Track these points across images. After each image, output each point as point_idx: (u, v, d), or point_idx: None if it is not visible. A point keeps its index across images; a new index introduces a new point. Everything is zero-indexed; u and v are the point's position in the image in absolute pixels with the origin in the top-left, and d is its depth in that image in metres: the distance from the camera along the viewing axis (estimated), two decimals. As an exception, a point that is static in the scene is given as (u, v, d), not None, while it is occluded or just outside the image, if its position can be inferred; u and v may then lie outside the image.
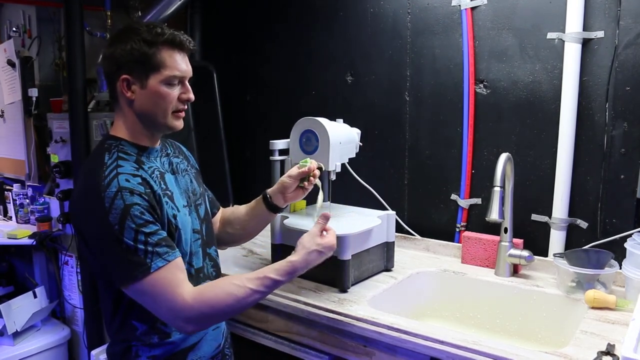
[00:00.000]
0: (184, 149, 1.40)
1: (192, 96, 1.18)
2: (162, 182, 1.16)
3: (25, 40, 2.60)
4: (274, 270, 1.14)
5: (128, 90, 1.13)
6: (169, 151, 1.29)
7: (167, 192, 1.16)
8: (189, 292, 1.07)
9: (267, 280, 1.13)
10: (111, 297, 1.15)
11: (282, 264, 1.16)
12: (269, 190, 1.41)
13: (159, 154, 1.23)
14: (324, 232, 1.23)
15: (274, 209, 1.40)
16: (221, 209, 1.49)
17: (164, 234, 1.09)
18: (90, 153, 2.14)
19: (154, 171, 1.16)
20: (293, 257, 1.17)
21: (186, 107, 1.19)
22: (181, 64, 1.15)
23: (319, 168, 1.39)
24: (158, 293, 1.05)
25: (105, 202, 1.03)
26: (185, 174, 1.28)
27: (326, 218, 1.24)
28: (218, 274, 1.32)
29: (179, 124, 1.19)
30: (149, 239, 1.05)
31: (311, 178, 1.37)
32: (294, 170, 1.38)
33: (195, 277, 1.22)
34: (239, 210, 1.46)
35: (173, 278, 1.06)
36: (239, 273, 1.64)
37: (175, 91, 1.15)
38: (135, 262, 1.04)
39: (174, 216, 1.15)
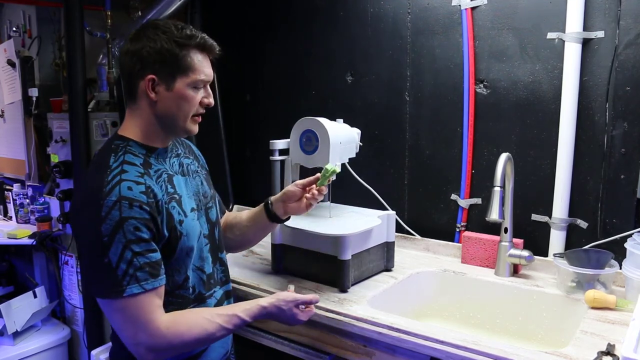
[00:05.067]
0: (194, 148, 1.36)
1: (212, 101, 1.16)
2: (169, 186, 1.12)
3: (26, 40, 2.61)
4: (243, 311, 1.15)
5: (152, 91, 1.09)
6: (180, 151, 1.26)
7: (175, 195, 1.13)
8: (163, 321, 1.04)
9: (236, 319, 1.13)
10: None
11: (252, 304, 1.17)
12: (272, 198, 1.37)
13: (169, 155, 1.20)
14: (303, 307, 1.23)
15: (274, 218, 1.36)
16: (226, 212, 1.46)
17: (154, 257, 1.05)
18: (90, 153, 2.16)
19: (162, 174, 1.13)
20: (264, 303, 1.18)
21: (204, 111, 1.17)
22: (207, 68, 1.13)
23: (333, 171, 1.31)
24: (127, 316, 1.02)
25: (102, 210, 1.00)
26: (196, 176, 1.25)
27: (314, 300, 1.24)
28: (227, 280, 1.30)
29: (195, 129, 1.17)
30: (134, 260, 1.01)
31: (322, 187, 1.29)
32: (302, 180, 1.33)
33: (207, 283, 1.21)
34: (241, 215, 1.43)
35: (145, 306, 1.03)
36: (239, 273, 1.65)
37: (199, 95, 1.13)
38: (112, 281, 1.00)
39: (180, 222, 1.12)
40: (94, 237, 1.01)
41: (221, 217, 1.40)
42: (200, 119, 1.17)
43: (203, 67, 1.12)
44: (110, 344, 1.24)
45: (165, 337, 1.04)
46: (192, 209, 1.18)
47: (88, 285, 1.08)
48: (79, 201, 1.10)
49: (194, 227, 1.16)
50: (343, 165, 1.70)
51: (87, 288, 1.11)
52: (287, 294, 1.21)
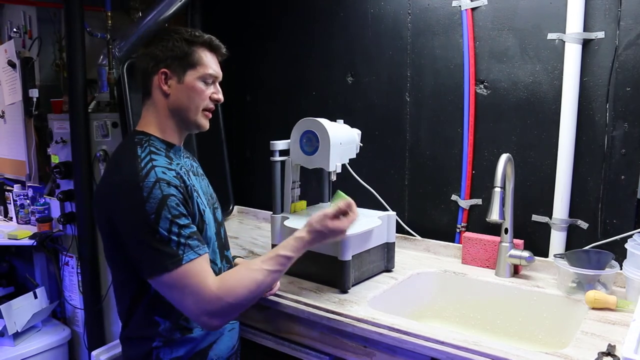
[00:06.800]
0: (196, 159, 1.42)
1: (222, 97, 1.24)
2: (189, 178, 1.19)
3: (26, 41, 2.61)
4: (284, 248, 1.18)
5: (165, 84, 1.18)
6: (188, 155, 1.33)
7: (195, 188, 1.19)
8: (214, 283, 1.09)
9: (281, 258, 1.16)
10: (131, 293, 1.16)
11: (290, 241, 1.19)
12: (237, 260, 1.44)
13: (182, 154, 1.27)
14: (341, 216, 1.20)
15: None
16: None
17: (195, 228, 1.11)
18: (90, 154, 2.16)
19: (182, 167, 1.20)
20: (300, 234, 1.20)
21: (214, 107, 1.24)
22: (216, 65, 1.23)
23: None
24: (186, 285, 1.06)
25: (143, 191, 1.05)
26: (203, 178, 1.33)
27: (347, 205, 1.21)
28: None
29: (206, 124, 1.25)
30: (182, 231, 1.07)
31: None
32: None
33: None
34: None
35: (202, 271, 1.08)
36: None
37: (209, 90, 1.22)
38: (168, 253, 1.05)
39: (203, 211, 1.18)
40: (140, 218, 1.05)
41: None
42: (210, 115, 1.25)
43: (211, 63, 1.22)
44: (110, 344, 1.25)
45: (220, 298, 1.07)
46: (206, 205, 1.24)
47: (142, 270, 1.08)
48: (111, 190, 1.11)
49: (210, 220, 1.22)
50: (343, 165, 1.70)
51: (136, 276, 1.11)
52: (316, 215, 1.20)
